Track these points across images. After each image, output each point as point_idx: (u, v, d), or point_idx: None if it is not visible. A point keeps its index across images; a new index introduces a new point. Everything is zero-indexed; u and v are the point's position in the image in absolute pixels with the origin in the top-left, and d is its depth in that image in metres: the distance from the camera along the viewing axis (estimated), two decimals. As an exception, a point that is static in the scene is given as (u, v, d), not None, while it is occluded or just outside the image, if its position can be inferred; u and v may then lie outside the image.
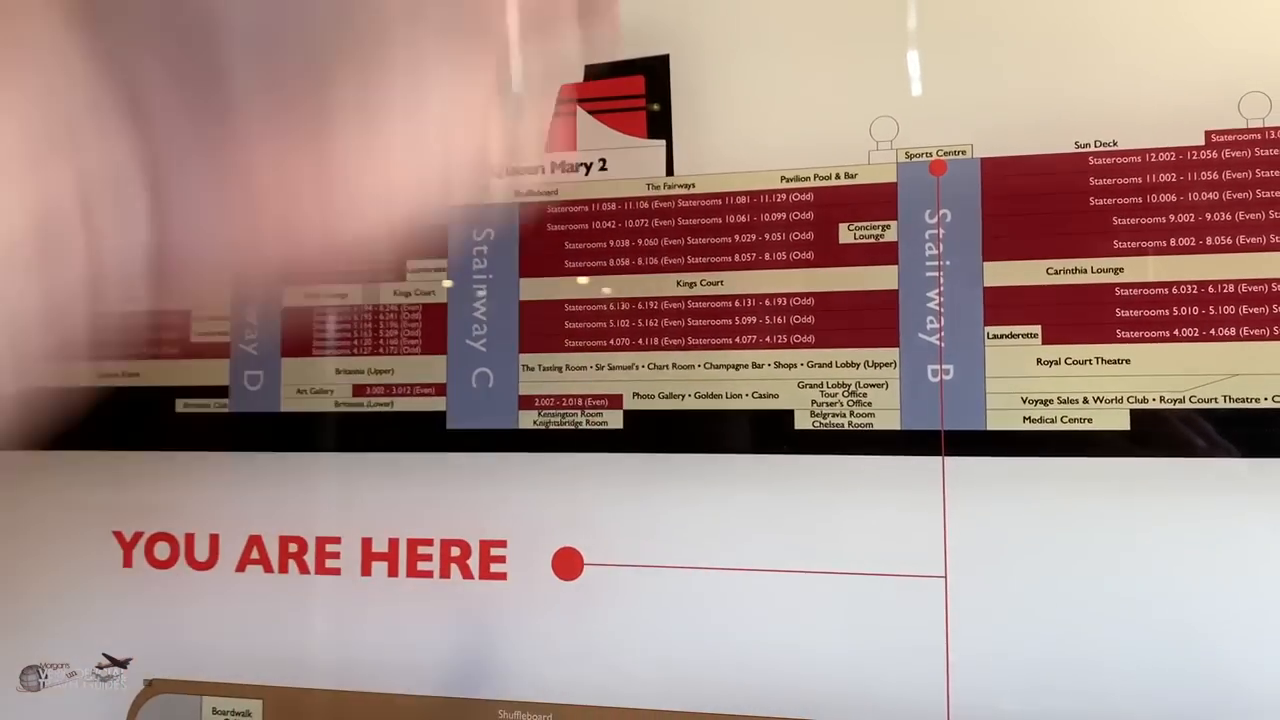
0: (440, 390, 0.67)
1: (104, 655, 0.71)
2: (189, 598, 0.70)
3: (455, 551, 0.66)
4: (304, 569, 0.69)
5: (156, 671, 0.70)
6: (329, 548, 0.68)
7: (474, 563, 0.66)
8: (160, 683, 0.70)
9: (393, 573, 0.67)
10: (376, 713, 0.67)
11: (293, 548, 0.69)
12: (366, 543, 0.68)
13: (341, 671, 0.67)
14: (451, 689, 0.66)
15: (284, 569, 0.69)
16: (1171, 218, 0.58)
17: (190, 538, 0.70)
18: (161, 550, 0.71)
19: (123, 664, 0.71)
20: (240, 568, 0.70)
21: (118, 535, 0.72)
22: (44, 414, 0.76)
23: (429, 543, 0.67)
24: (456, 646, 0.66)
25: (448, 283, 0.67)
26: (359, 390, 0.68)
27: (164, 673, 0.70)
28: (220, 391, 0.70)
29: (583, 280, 0.66)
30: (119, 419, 0.72)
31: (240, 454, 0.70)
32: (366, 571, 0.68)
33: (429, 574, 0.67)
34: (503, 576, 0.66)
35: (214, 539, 0.70)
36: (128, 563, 0.71)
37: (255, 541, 0.69)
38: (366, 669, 0.67)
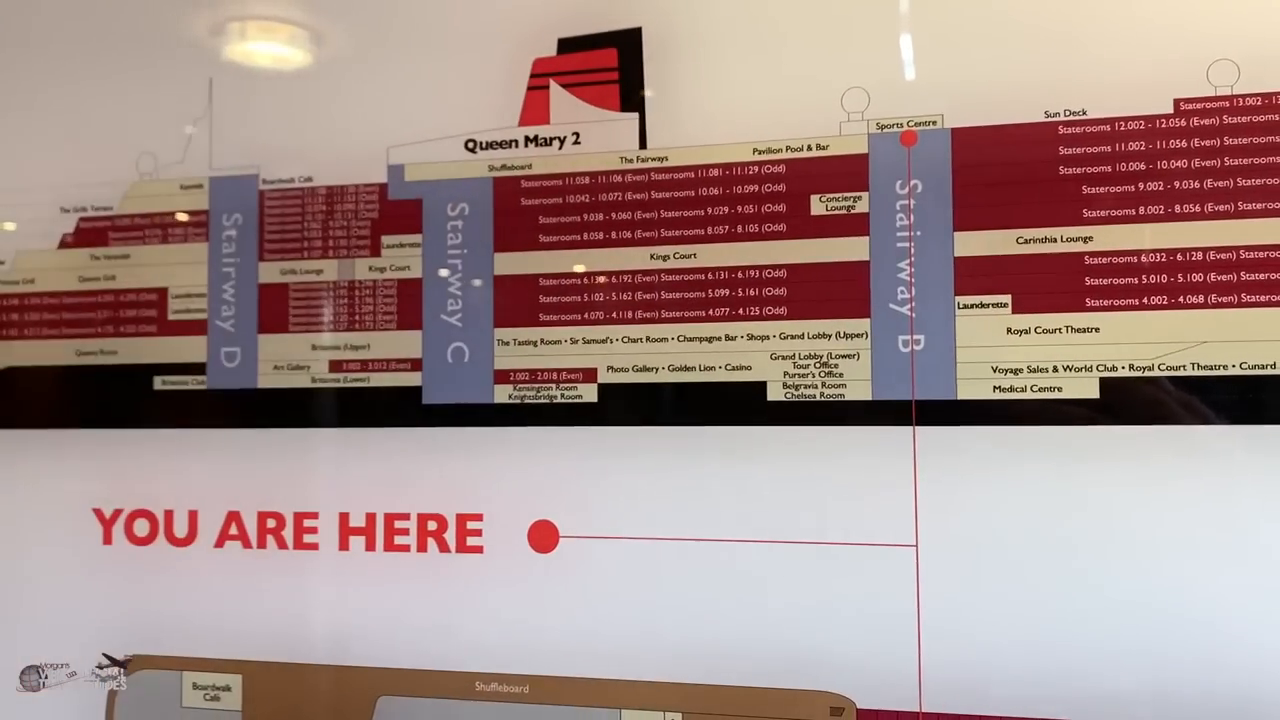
0: (416, 365, 0.67)
1: (104, 655, 0.71)
2: (168, 574, 0.70)
3: (432, 525, 0.67)
4: (282, 544, 0.69)
5: (137, 648, 0.71)
6: (307, 523, 0.69)
7: (450, 536, 0.66)
8: (140, 659, 0.71)
9: (370, 547, 0.67)
10: (355, 686, 0.67)
11: (271, 523, 0.69)
12: (344, 517, 0.68)
13: (320, 646, 0.68)
14: (429, 661, 0.66)
15: (262, 544, 0.69)
16: (1140, 186, 0.58)
17: (169, 514, 0.71)
18: (141, 527, 0.71)
19: (123, 664, 0.71)
20: (219, 543, 0.70)
21: (97, 513, 0.72)
22: (21, 393, 0.76)
23: (406, 517, 0.67)
24: (434, 619, 0.66)
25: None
26: (335, 366, 0.69)
27: (144, 649, 0.71)
28: (198, 368, 0.71)
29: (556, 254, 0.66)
30: (97, 397, 0.72)
31: (218, 430, 0.70)
32: (344, 546, 0.68)
33: (406, 548, 0.67)
34: (479, 550, 0.66)
35: (193, 515, 0.70)
36: (107, 540, 0.72)
37: (234, 517, 0.70)
38: (345, 643, 0.67)
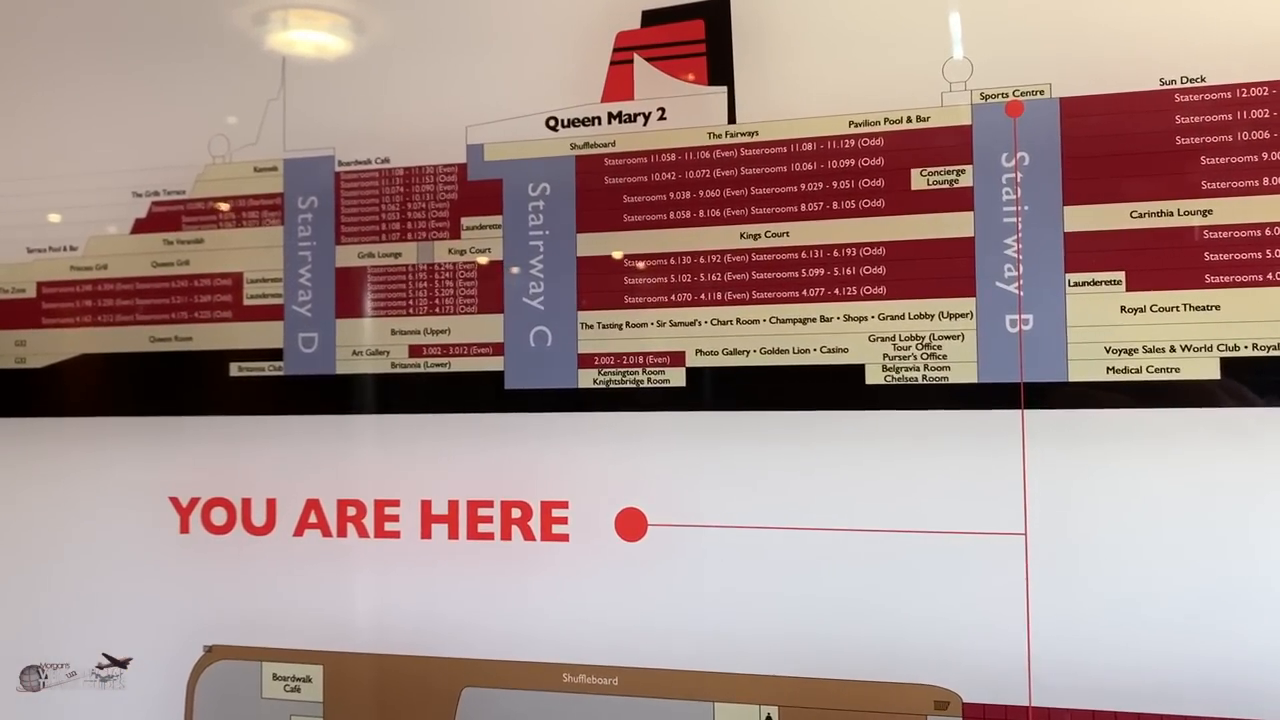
0: (498, 350, 0.66)
1: (103, 655, 0.70)
2: (247, 563, 0.69)
3: (516, 513, 0.65)
4: (363, 532, 0.68)
5: (215, 638, 0.70)
6: (388, 510, 0.67)
7: (535, 524, 0.65)
8: (220, 649, 0.70)
9: (453, 535, 0.66)
10: (439, 677, 0.66)
11: (351, 511, 0.68)
12: (426, 505, 0.67)
13: (402, 636, 0.67)
14: (514, 652, 0.65)
15: (342, 533, 0.68)
16: (1264, 156, 0.55)
17: (247, 503, 0.70)
18: (218, 516, 0.70)
19: (122, 664, 0.70)
20: (298, 532, 0.69)
21: (174, 501, 0.71)
22: (95, 380, 0.74)
23: (489, 504, 0.66)
24: (520, 609, 0.65)
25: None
26: (415, 351, 0.67)
27: (223, 639, 0.70)
28: (274, 355, 0.69)
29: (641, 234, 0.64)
30: (172, 384, 0.71)
31: (295, 417, 0.69)
32: (426, 534, 0.67)
33: (490, 536, 0.65)
34: (565, 538, 0.64)
35: (271, 504, 0.69)
36: (184, 529, 0.71)
37: (313, 505, 0.68)
38: (428, 633, 0.66)
